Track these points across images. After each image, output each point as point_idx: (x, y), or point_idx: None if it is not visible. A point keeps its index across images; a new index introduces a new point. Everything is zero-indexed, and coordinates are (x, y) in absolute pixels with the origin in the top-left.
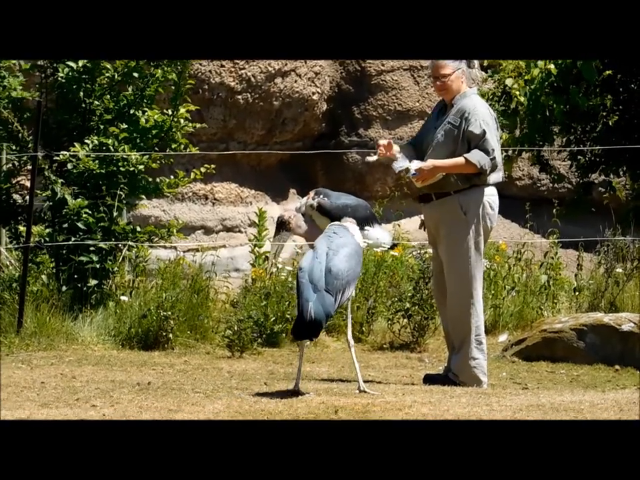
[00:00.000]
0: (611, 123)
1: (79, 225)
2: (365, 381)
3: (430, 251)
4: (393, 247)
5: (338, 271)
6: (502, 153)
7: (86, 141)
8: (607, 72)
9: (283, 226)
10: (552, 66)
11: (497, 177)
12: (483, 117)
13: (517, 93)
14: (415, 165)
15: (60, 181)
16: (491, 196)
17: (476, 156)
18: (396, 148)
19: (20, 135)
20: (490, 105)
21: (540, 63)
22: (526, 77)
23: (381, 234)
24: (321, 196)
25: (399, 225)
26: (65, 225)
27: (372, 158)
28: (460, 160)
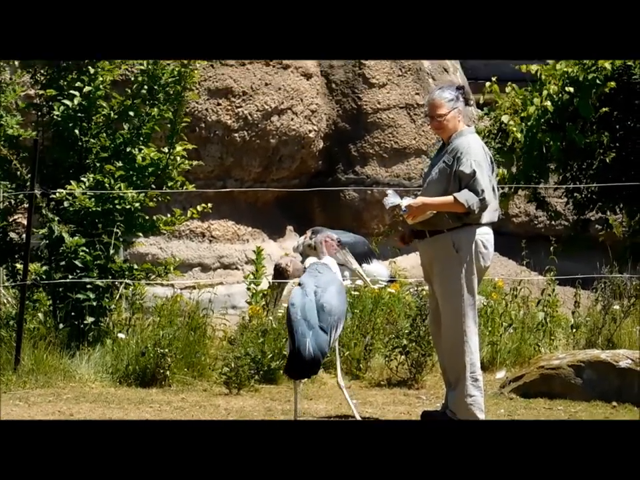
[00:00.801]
0: (608, 160)
1: (76, 262)
2: (362, 418)
3: (427, 287)
4: (390, 281)
5: (331, 308)
6: (498, 191)
7: (82, 178)
8: (604, 109)
9: (281, 274)
10: (548, 102)
11: (491, 216)
12: (475, 156)
13: (514, 129)
14: (406, 201)
15: (57, 218)
16: (484, 235)
17: (465, 195)
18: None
19: (18, 172)
20: (486, 142)
21: (536, 100)
22: (522, 114)
23: (379, 269)
24: (318, 235)
25: (394, 262)
26: (62, 263)
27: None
28: (449, 198)
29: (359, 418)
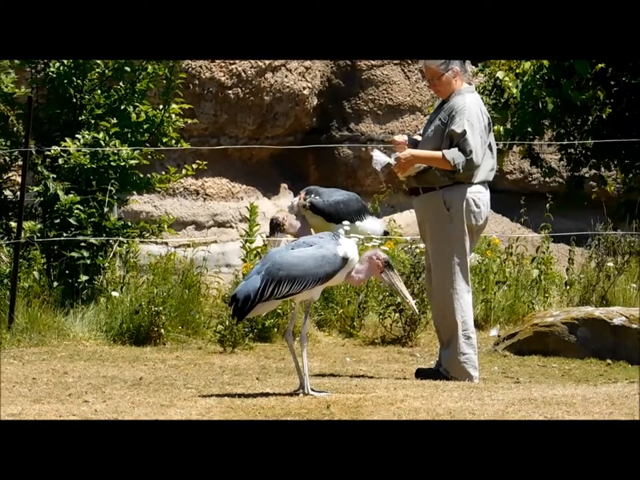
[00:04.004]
0: (604, 116)
1: (71, 220)
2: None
3: (421, 245)
4: (385, 234)
5: (282, 262)
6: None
7: (77, 135)
8: (599, 65)
9: (277, 228)
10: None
11: (486, 175)
12: (469, 116)
13: (509, 84)
14: (395, 155)
15: (52, 176)
16: (476, 193)
17: (452, 154)
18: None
19: (15, 129)
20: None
21: None
22: (517, 70)
23: (373, 226)
24: (312, 195)
25: (394, 221)
26: (57, 221)
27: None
28: (437, 154)
29: (307, 383)
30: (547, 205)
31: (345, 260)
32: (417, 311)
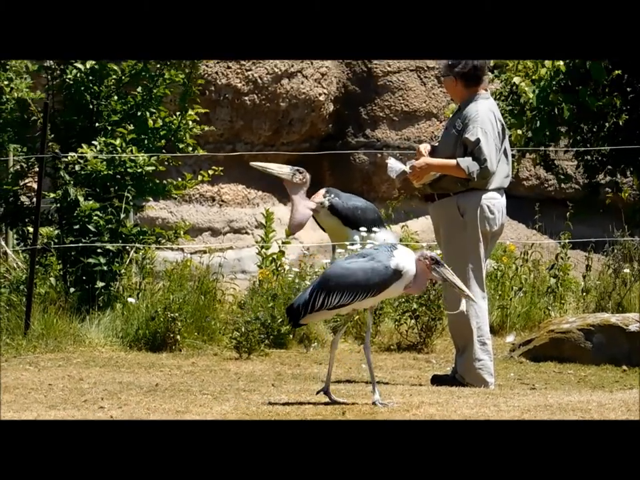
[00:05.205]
0: (620, 122)
1: (90, 227)
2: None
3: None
4: None
5: (329, 274)
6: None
7: (93, 142)
8: (616, 72)
9: (297, 173)
10: (561, 62)
11: (501, 181)
12: (482, 124)
13: (526, 89)
14: (410, 163)
15: (72, 181)
16: (491, 199)
17: (466, 162)
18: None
19: (39, 133)
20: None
21: (547, 62)
22: (533, 77)
23: (387, 237)
24: (332, 195)
25: (406, 226)
26: (76, 227)
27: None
28: (452, 162)
29: (376, 395)
30: (568, 213)
31: (398, 272)
32: (475, 299)
